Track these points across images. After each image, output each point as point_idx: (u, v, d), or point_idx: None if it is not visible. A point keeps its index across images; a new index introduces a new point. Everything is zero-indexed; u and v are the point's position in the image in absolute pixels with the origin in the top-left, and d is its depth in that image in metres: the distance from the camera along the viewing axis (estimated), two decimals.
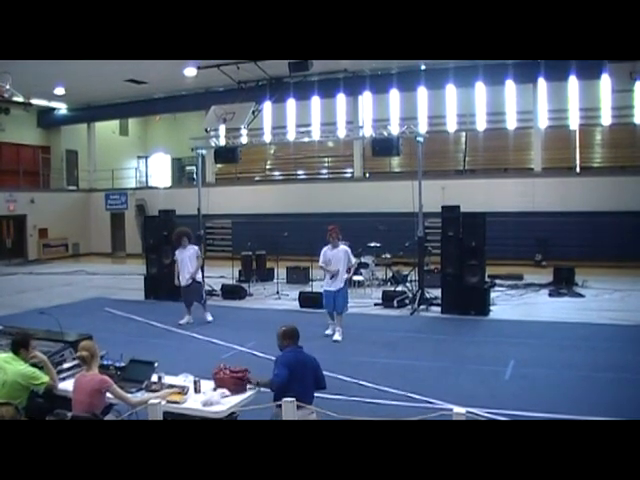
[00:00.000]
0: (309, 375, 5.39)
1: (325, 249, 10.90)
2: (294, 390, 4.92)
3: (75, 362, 5.75)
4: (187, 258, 12.09)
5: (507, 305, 13.37)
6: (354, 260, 11.08)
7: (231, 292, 15.00)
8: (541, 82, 20.64)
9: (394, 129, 15.17)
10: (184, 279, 12.06)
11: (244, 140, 18.91)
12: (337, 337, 10.68)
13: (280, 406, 4.54)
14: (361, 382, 8.01)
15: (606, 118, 20.52)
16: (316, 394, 5.61)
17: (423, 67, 21.19)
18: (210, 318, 12.23)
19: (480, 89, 21.27)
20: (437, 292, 13.07)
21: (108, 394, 5.16)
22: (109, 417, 5.38)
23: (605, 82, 19.78)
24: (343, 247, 10.84)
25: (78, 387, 5.19)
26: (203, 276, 15.00)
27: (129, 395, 5.21)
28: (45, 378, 5.38)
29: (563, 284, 15.25)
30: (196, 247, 12.43)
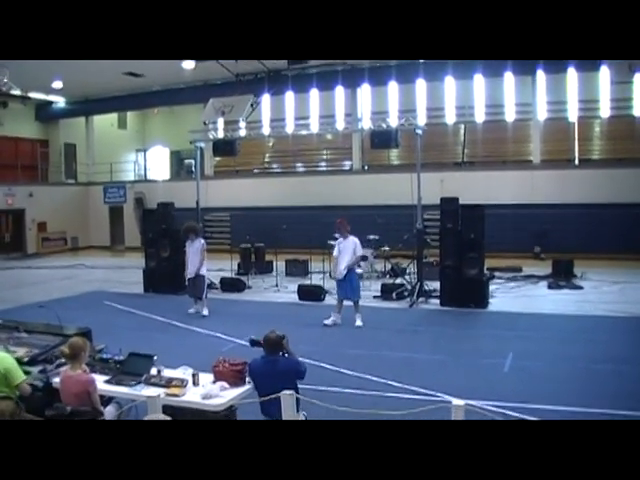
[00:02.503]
0: (277, 384, 4.96)
1: (339, 240, 11.47)
2: (260, 395, 5.06)
3: None
4: (192, 252, 12.29)
5: (506, 297, 13.38)
6: (360, 252, 11.37)
7: (230, 285, 15.01)
8: (540, 74, 20.58)
9: (393, 121, 15.20)
10: (189, 272, 12.25)
11: (243, 133, 18.92)
12: (358, 323, 11.05)
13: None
14: (359, 374, 8.01)
15: (605, 110, 20.48)
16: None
17: (422, 60, 21.12)
18: (206, 312, 12.18)
19: (479, 81, 21.21)
20: (436, 284, 13.07)
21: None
22: (109, 409, 5.40)
23: (604, 74, 19.73)
24: (352, 238, 11.29)
25: (65, 388, 5.18)
26: None
27: (101, 407, 5.26)
28: (22, 377, 5.28)
29: (562, 276, 15.27)
30: (203, 241, 12.55)
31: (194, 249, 12.28)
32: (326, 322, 11.07)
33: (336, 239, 15.04)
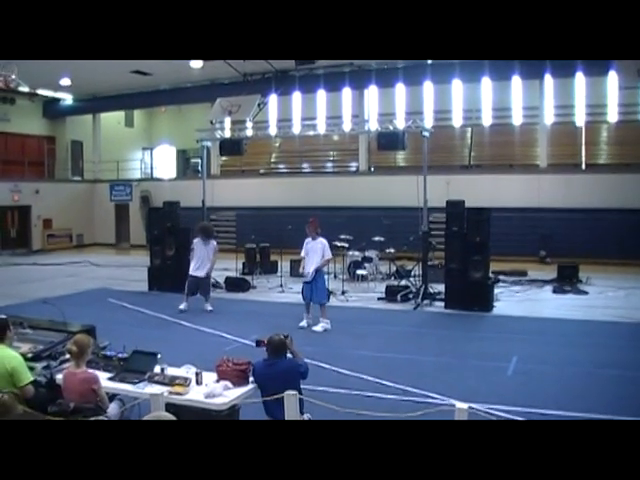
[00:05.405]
0: (279, 386, 4.94)
1: (307, 241, 11.21)
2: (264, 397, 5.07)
3: None
4: (207, 251, 12.39)
5: (511, 301, 13.36)
6: (329, 255, 11.17)
7: (235, 285, 15.02)
8: (547, 78, 20.54)
9: (400, 123, 15.17)
10: (200, 270, 12.30)
11: (249, 133, 18.91)
12: (317, 328, 10.82)
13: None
14: (362, 376, 7.99)
15: (612, 115, 20.46)
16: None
17: (429, 62, 21.08)
18: (210, 308, 12.41)
19: (486, 84, 21.18)
20: (441, 287, 13.05)
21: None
22: (112, 406, 5.40)
23: (612, 79, 19.67)
24: (321, 240, 11.09)
25: (68, 386, 5.18)
26: None
27: (107, 402, 5.31)
28: (29, 379, 5.19)
29: (567, 281, 15.22)
30: (215, 242, 12.66)
31: (208, 249, 12.39)
32: (302, 324, 10.96)
33: (341, 240, 15.14)
